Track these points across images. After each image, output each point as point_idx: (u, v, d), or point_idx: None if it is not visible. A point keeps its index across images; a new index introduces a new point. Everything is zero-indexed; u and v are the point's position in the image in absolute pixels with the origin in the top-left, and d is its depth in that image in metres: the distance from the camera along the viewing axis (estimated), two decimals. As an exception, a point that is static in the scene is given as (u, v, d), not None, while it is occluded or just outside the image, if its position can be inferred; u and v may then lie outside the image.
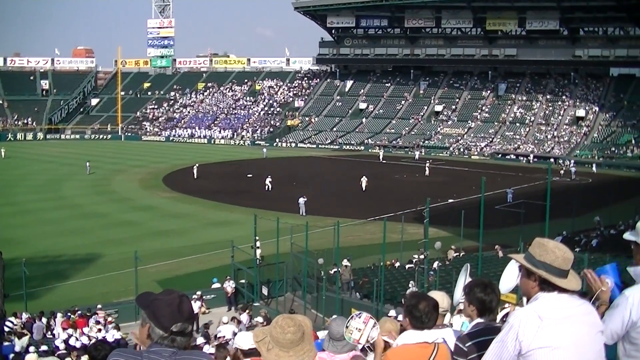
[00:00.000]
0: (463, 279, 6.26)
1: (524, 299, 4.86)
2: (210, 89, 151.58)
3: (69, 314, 27.37)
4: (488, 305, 5.20)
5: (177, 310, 3.57)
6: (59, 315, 26.87)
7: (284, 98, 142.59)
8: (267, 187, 64.45)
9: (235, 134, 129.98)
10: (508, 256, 4.74)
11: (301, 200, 52.89)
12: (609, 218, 46.83)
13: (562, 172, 76.77)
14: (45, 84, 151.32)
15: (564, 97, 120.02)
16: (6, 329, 20.95)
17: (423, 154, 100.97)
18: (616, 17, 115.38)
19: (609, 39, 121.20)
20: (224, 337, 20.61)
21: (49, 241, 42.85)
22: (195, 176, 72.60)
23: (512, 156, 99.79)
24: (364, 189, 63.73)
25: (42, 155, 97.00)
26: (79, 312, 27.62)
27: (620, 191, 59.40)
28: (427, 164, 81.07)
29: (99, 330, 24.80)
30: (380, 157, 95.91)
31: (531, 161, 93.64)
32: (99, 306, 28.42)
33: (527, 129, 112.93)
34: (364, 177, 65.16)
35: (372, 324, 5.50)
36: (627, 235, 4.70)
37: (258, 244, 36.40)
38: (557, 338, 3.93)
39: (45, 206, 55.66)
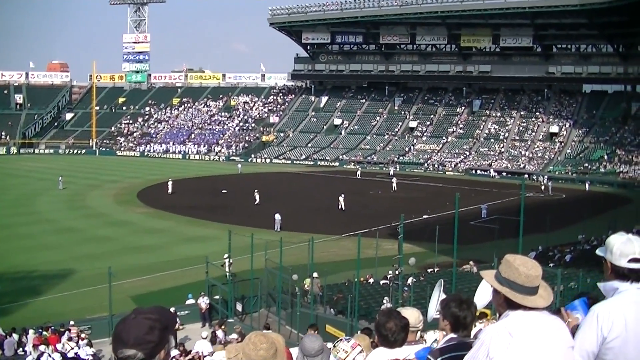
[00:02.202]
0: (437, 295, 6.28)
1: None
2: (185, 104, 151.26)
3: (42, 330, 27.11)
4: (462, 321, 5.21)
5: (117, 337, 3.24)
6: (30, 331, 26.60)
7: (259, 114, 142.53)
8: (255, 200, 64.34)
9: (210, 149, 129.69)
10: (479, 273, 4.76)
11: (277, 216, 52.83)
12: (582, 233, 47.14)
13: (542, 188, 77.53)
14: (20, 98, 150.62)
15: (537, 113, 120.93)
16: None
17: (398, 169, 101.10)
18: (588, 34, 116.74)
19: (582, 56, 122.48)
20: (197, 352, 20.55)
21: (22, 256, 42.54)
22: (169, 191, 72.38)
23: (491, 172, 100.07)
24: (342, 208, 62.42)
25: (16, 170, 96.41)
26: (52, 328, 27.35)
27: (594, 206, 59.86)
28: (394, 180, 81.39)
29: (72, 347, 24.59)
30: (358, 173, 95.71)
31: (496, 176, 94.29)
32: (72, 322, 28.12)
33: (502, 145, 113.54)
34: (341, 195, 63.86)
35: (359, 350, 5.55)
36: (599, 251, 4.73)
37: (228, 260, 36.40)
38: (527, 354, 3.94)
39: (19, 221, 55.19)
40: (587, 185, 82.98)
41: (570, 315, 4.72)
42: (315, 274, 33.23)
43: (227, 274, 36.31)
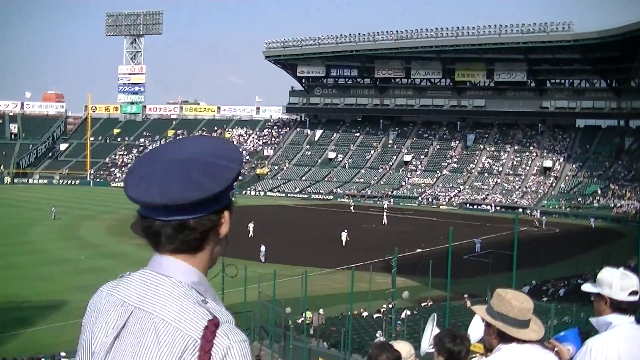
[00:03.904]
0: (430, 329, 6.27)
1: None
2: (180, 136, 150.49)
3: (33, 361, 27.01)
4: (457, 356, 5.22)
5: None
6: (22, 363, 26.52)
7: (253, 146, 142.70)
8: (249, 233, 64.08)
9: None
10: (470, 308, 4.77)
11: (262, 247, 53.14)
12: (575, 268, 47.11)
13: (536, 222, 77.62)
14: (14, 127, 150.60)
15: (531, 147, 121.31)
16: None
17: (392, 203, 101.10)
18: (582, 69, 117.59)
19: (575, 91, 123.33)
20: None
21: (13, 287, 42.28)
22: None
23: (483, 206, 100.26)
24: (344, 244, 61.01)
25: (9, 200, 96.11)
26: (43, 359, 27.24)
27: (588, 241, 59.87)
28: (385, 213, 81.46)
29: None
30: (351, 207, 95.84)
31: (492, 209, 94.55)
32: (63, 354, 27.97)
33: (495, 179, 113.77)
34: (344, 231, 62.19)
35: None
36: (587, 287, 4.74)
37: None
38: None
39: (11, 251, 54.94)
40: (592, 222, 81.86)
41: (558, 346, 4.72)
42: (321, 310, 33.28)
43: None
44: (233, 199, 2.21)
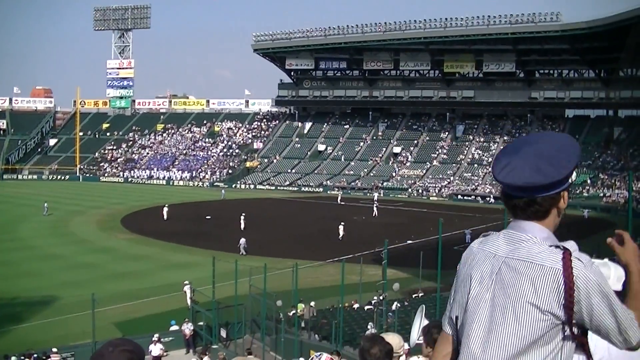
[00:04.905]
0: (419, 321, 6.31)
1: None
2: (169, 130, 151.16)
3: (24, 357, 26.96)
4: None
5: None
6: (13, 358, 26.46)
7: (242, 140, 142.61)
8: (241, 226, 64.17)
9: (194, 175, 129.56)
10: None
11: (242, 240, 53.24)
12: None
13: None
14: (3, 123, 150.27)
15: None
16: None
17: (382, 195, 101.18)
18: (570, 60, 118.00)
19: (564, 82, 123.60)
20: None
21: (4, 283, 42.22)
22: (165, 218, 72.06)
23: (473, 197, 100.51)
24: (340, 237, 60.27)
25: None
26: (34, 355, 27.21)
27: (577, 231, 60.01)
28: (375, 204, 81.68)
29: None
30: (339, 199, 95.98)
31: (482, 200, 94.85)
32: (54, 349, 27.95)
33: (485, 170, 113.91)
34: (341, 224, 61.99)
35: None
36: None
37: (186, 288, 36.57)
38: None
39: (0, 247, 54.92)
40: (585, 213, 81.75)
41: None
42: (312, 303, 33.32)
43: (189, 303, 36.35)
44: (570, 181, 2.83)
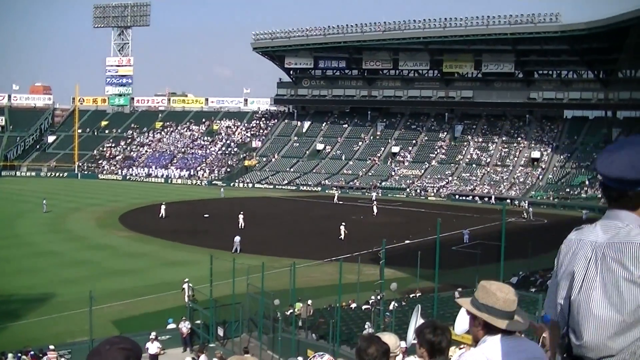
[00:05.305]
0: (415, 321, 6.34)
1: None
2: (168, 128, 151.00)
3: (21, 354, 26.96)
4: (438, 347, 5.25)
5: None
6: (9, 355, 26.45)
7: (241, 138, 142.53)
8: (240, 224, 64.23)
9: (192, 173, 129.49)
10: (455, 300, 4.81)
11: (236, 238, 53.42)
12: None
13: (524, 214, 77.83)
14: (2, 120, 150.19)
15: (519, 138, 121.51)
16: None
17: (380, 195, 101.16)
18: (569, 60, 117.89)
19: (563, 82, 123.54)
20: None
21: (1, 280, 42.25)
22: (162, 215, 72.20)
23: (471, 197, 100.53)
24: (342, 237, 59.81)
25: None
26: (31, 352, 27.21)
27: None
28: (374, 204, 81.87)
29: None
30: (335, 198, 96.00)
31: (480, 200, 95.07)
32: (51, 347, 27.88)
33: (483, 170, 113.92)
34: (342, 224, 61.67)
35: None
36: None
37: (185, 285, 36.57)
38: None
39: (-1, 244, 54.94)
40: (584, 214, 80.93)
41: (543, 327, 4.76)
42: (309, 301, 33.34)
43: (187, 300, 36.33)
44: None
